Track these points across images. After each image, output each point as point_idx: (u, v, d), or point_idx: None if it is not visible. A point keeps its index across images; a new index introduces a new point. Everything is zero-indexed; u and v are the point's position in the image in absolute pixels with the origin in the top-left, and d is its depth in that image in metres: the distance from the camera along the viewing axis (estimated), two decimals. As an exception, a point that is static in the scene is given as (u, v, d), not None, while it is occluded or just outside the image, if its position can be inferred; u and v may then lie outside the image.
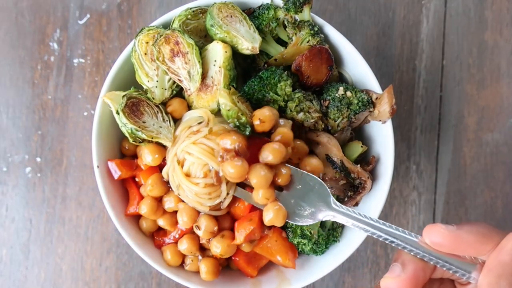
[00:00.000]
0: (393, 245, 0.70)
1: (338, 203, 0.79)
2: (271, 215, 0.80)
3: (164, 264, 0.87)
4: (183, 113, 0.86)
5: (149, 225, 0.90)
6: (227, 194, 0.83)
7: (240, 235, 0.84)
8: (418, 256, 0.68)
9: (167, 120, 0.84)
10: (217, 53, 0.81)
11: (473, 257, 0.66)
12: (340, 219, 0.77)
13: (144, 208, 0.85)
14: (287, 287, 0.86)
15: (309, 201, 0.81)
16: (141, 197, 0.88)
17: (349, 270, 1.04)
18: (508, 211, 1.04)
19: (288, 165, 0.82)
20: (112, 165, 0.88)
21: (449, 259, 0.66)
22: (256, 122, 0.81)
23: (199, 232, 0.84)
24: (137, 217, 0.91)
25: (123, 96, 0.82)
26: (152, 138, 0.83)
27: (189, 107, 0.86)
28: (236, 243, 0.84)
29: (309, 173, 0.82)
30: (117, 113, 0.82)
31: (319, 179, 0.81)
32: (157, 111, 0.84)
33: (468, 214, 1.04)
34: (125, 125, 0.82)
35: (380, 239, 0.71)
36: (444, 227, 0.65)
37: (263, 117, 0.81)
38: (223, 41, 0.82)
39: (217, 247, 0.84)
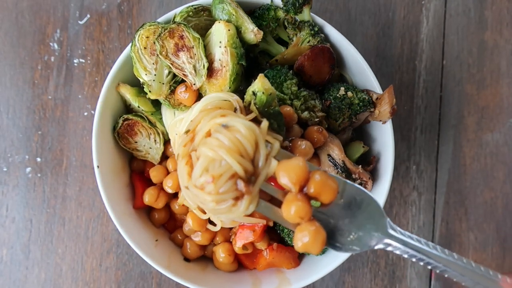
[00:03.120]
0: (468, 286, 0.56)
1: (397, 228, 0.60)
2: (307, 239, 0.58)
3: (164, 264, 0.87)
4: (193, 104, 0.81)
5: (160, 215, 0.91)
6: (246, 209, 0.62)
7: (240, 243, 0.83)
8: None
9: (158, 142, 0.89)
10: (221, 33, 0.79)
11: None
12: (400, 250, 0.58)
13: (146, 198, 0.89)
14: (287, 287, 0.86)
15: (356, 222, 0.60)
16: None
17: (349, 270, 1.04)
18: (508, 211, 1.04)
19: (332, 174, 0.64)
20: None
21: None
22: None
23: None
24: (140, 216, 0.92)
25: (120, 118, 0.88)
26: (142, 157, 0.91)
27: (201, 97, 0.82)
28: (235, 247, 0.85)
29: (355, 184, 0.63)
30: (113, 132, 0.89)
31: (369, 193, 0.62)
32: (150, 133, 0.89)
33: (468, 214, 1.04)
34: (119, 142, 0.90)
35: (455, 279, 0.56)
36: None
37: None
38: (228, 21, 0.80)
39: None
